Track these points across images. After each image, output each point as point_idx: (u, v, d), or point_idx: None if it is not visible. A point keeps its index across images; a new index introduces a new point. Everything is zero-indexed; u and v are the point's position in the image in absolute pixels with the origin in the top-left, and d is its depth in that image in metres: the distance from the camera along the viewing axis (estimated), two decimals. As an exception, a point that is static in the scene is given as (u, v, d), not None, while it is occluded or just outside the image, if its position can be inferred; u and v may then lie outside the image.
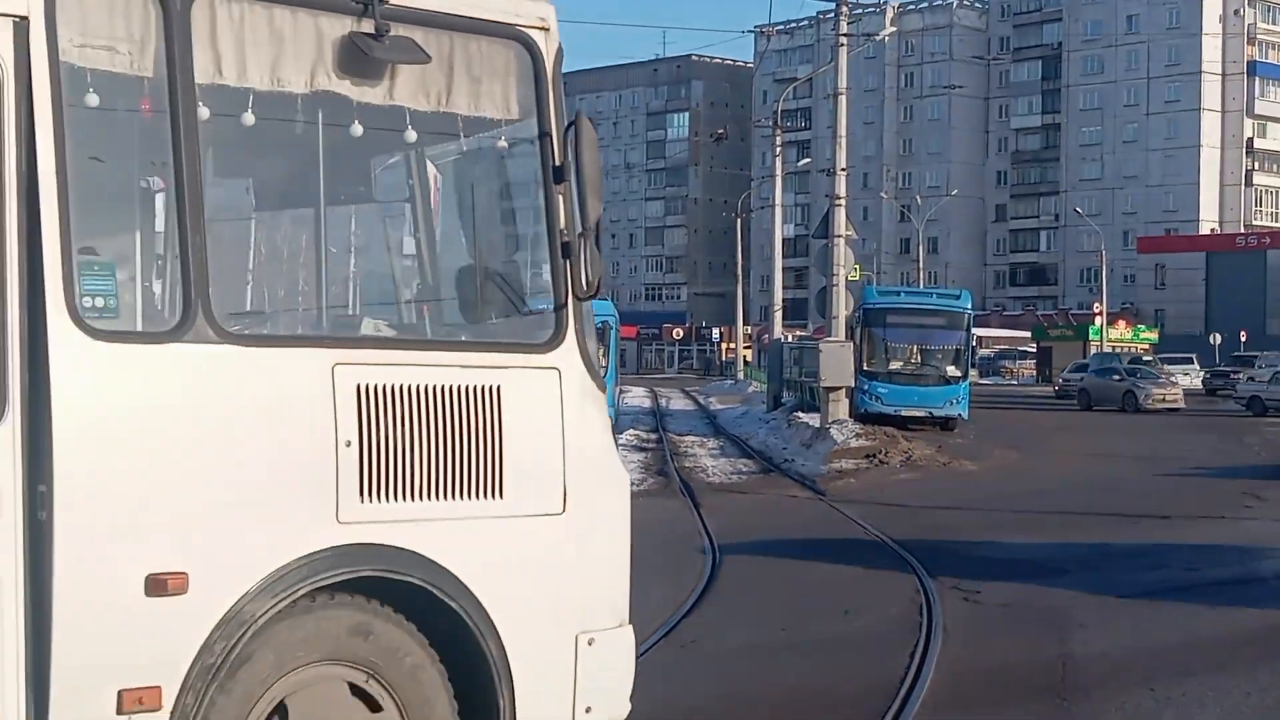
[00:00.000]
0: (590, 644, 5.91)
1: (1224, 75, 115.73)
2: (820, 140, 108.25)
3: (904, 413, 35.64)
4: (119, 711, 4.89)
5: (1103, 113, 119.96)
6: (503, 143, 6.04)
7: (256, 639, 5.13)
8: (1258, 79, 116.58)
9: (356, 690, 5.50)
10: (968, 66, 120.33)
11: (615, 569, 6.05)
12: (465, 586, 5.56)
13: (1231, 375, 62.93)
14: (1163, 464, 28.13)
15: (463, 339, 6.04)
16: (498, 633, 5.64)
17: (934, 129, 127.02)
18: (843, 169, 33.48)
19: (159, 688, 4.95)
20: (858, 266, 36.19)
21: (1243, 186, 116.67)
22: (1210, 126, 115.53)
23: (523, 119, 5.94)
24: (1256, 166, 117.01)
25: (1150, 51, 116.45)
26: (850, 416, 31.64)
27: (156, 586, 4.92)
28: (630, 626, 6.13)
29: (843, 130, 33.98)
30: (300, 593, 5.20)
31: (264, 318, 5.92)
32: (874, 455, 27.84)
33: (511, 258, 6.31)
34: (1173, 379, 54.98)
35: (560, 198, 5.90)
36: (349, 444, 5.30)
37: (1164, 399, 50.04)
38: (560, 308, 5.88)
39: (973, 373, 44.79)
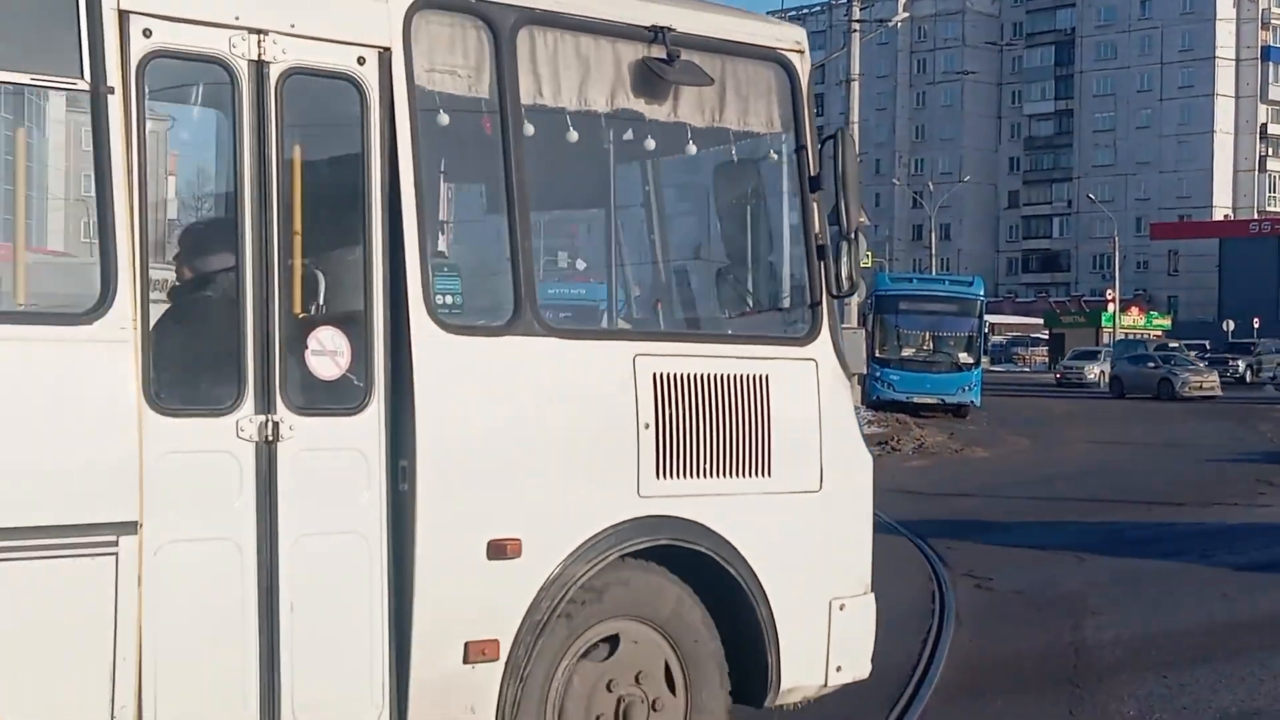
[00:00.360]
0: (841, 609, 6.61)
1: (1238, 60, 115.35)
2: (833, 126, 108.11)
3: (916, 400, 35.62)
4: (465, 661, 5.58)
5: (1116, 98, 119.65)
6: (764, 154, 6.72)
7: (573, 599, 5.82)
8: (1272, 64, 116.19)
9: (646, 647, 6.17)
10: (980, 52, 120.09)
11: (861, 541, 6.76)
12: (741, 555, 6.23)
13: (1230, 361, 62.85)
14: (1175, 450, 28.09)
15: (736, 333, 6.71)
16: (767, 598, 6.31)
17: (946, 115, 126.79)
18: (855, 155, 33.36)
19: (497, 640, 5.65)
20: (870, 253, 36.11)
21: (1256, 172, 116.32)
22: (1224, 112, 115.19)
23: (782, 132, 6.60)
24: (1270, 152, 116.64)
25: (1164, 37, 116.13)
26: (862, 403, 31.63)
27: (497, 550, 5.62)
28: (872, 594, 6.78)
29: (855, 116, 33.95)
30: (610, 558, 5.91)
31: (574, 313, 6.56)
32: (886, 442, 27.82)
33: (773, 259, 6.95)
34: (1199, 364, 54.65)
35: (815, 205, 6.54)
36: (647, 426, 5.99)
37: (1201, 386, 49.62)
38: (816, 305, 6.54)
39: (985, 360, 44.71)
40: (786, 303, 6.80)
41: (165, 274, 5.36)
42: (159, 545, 5.02)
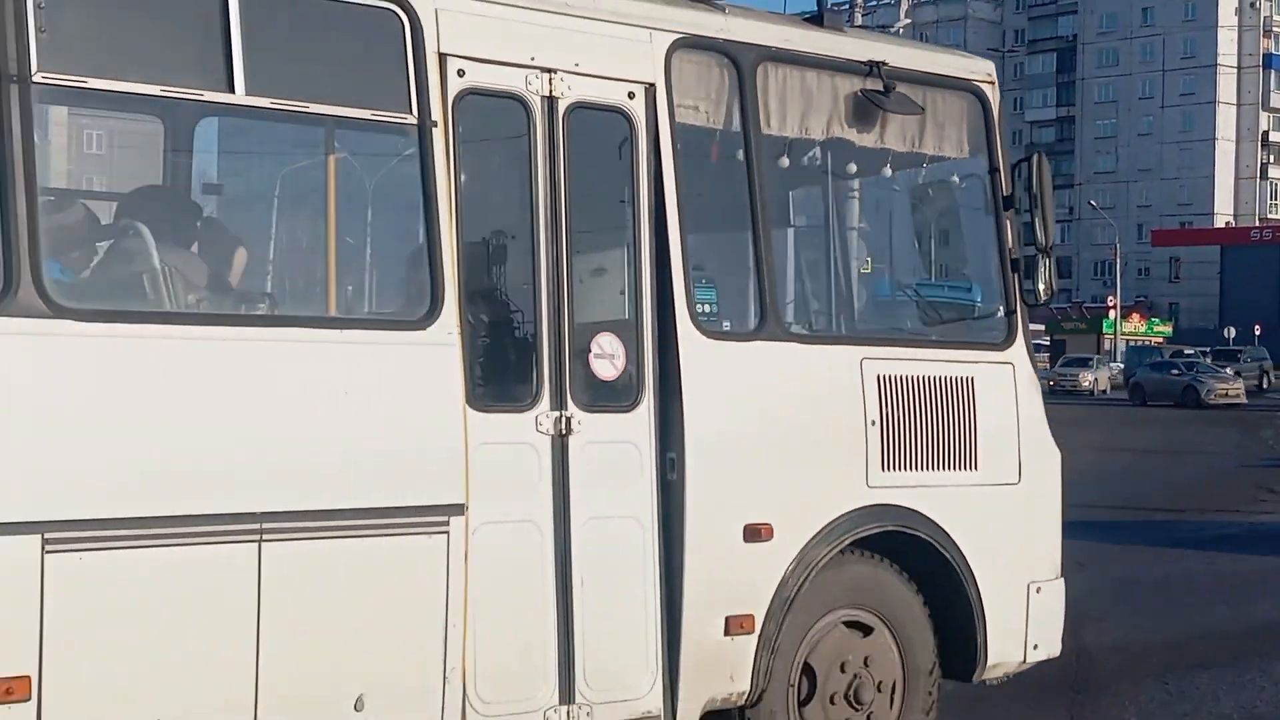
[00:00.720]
0: (1038, 591, 7.26)
1: (1239, 68, 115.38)
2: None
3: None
4: (725, 633, 6.24)
5: (1118, 105, 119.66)
6: (961, 176, 7.46)
7: (814, 579, 6.42)
8: (1273, 72, 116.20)
9: (867, 627, 6.79)
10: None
11: (1053, 529, 7.39)
12: (955, 542, 6.86)
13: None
14: (1176, 457, 28.07)
15: (945, 339, 7.33)
16: (976, 581, 6.93)
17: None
18: (856, 161, 33.27)
19: (753, 615, 6.30)
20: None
21: (1258, 180, 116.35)
22: (1225, 119, 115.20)
23: (977, 155, 7.31)
24: (1272, 160, 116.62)
25: (1165, 44, 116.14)
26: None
27: (752, 534, 6.27)
28: (1062, 579, 7.40)
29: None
30: (845, 543, 6.54)
31: (808, 319, 7.13)
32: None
33: (974, 273, 7.66)
34: (1225, 371, 54.25)
35: (1008, 222, 7.27)
36: (874, 423, 6.64)
37: (1226, 394, 49.24)
38: (1011, 313, 7.25)
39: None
40: (986, 312, 7.46)
41: (477, 286, 5.96)
42: (477, 525, 5.65)
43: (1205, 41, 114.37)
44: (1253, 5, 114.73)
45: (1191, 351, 62.88)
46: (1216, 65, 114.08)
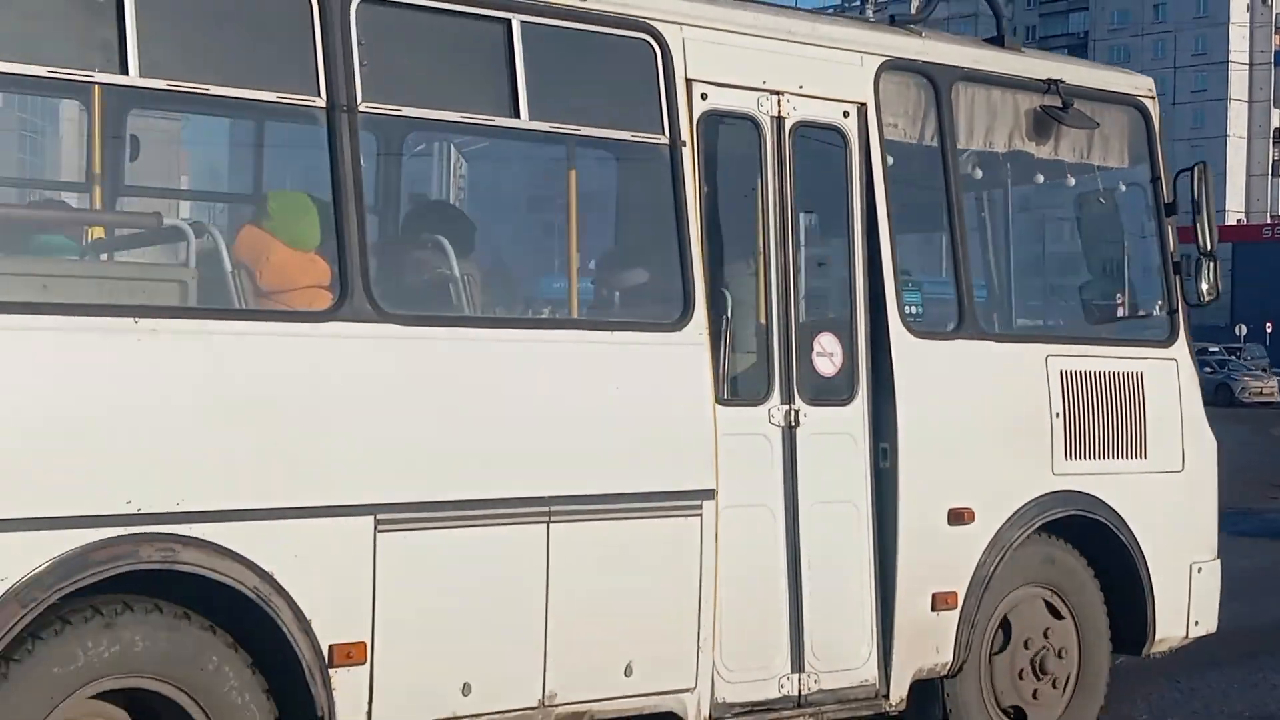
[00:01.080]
0: (1199, 571, 7.79)
1: (1251, 65, 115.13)
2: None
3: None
4: (932, 609, 6.80)
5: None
6: (1128, 185, 7.97)
7: (1007, 560, 6.98)
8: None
9: (1050, 604, 7.38)
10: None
11: (1211, 514, 7.93)
12: (1128, 525, 7.44)
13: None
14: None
15: (1118, 337, 7.88)
16: (1146, 562, 7.52)
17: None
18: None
19: (956, 592, 6.88)
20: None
21: (1269, 176, 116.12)
22: (1237, 116, 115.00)
23: (1134, 165, 7.89)
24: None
25: (1177, 41, 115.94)
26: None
27: (955, 517, 6.84)
28: (1219, 560, 7.93)
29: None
30: (1034, 527, 7.10)
31: (999, 319, 7.77)
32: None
33: (1141, 276, 8.03)
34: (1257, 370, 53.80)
35: (1170, 227, 7.84)
36: (1057, 415, 7.21)
37: (1261, 392, 48.71)
38: (1174, 313, 7.83)
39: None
40: (1153, 311, 8.00)
41: (719, 290, 6.45)
42: (724, 509, 6.19)
43: (1216, 38, 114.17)
44: (1264, 1, 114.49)
45: (1217, 349, 62.44)
46: (1228, 62, 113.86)
